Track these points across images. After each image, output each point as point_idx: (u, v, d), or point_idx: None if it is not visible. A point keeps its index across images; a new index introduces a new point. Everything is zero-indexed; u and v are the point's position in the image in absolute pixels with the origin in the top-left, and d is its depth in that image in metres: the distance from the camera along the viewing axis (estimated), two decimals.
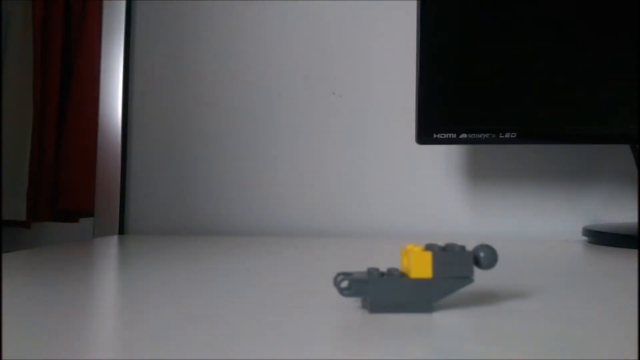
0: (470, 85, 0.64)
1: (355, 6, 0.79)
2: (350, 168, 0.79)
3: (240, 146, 0.80)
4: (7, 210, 0.82)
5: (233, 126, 0.80)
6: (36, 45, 0.80)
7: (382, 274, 0.31)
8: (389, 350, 0.24)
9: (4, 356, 0.23)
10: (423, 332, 0.27)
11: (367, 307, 0.31)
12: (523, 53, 0.63)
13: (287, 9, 0.80)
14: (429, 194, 0.77)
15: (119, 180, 0.79)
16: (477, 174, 0.77)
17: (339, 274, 0.31)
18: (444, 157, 0.77)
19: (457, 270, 0.31)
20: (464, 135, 0.64)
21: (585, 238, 0.71)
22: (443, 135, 0.64)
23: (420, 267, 0.30)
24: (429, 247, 0.31)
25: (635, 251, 0.58)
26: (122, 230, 0.80)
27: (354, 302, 0.33)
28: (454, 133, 0.64)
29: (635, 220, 0.74)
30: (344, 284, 0.31)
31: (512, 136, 0.63)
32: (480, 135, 0.63)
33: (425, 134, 0.64)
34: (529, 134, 0.63)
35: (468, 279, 0.31)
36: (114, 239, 0.68)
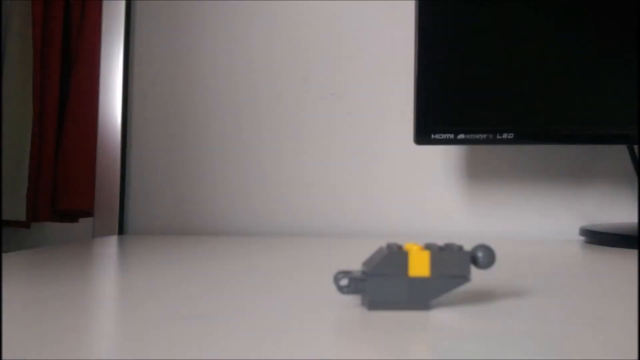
0: (468, 86, 0.64)
1: (355, 7, 0.80)
2: (350, 168, 0.79)
3: (240, 146, 0.80)
4: (7, 210, 0.82)
5: (233, 126, 0.81)
6: (36, 45, 0.80)
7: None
8: (384, 346, 0.24)
9: (4, 356, 0.23)
10: (420, 330, 0.27)
11: (365, 305, 0.31)
12: (520, 54, 0.64)
13: (287, 9, 0.81)
14: (427, 194, 0.78)
15: (119, 180, 0.79)
16: (475, 174, 0.77)
17: (338, 272, 0.31)
18: (442, 157, 0.78)
19: (455, 269, 0.31)
20: (461, 136, 0.64)
21: (582, 238, 0.71)
22: (441, 136, 0.64)
23: (419, 265, 0.31)
24: (427, 247, 0.32)
25: (633, 251, 0.59)
26: (121, 230, 0.80)
27: (353, 300, 0.33)
28: (451, 134, 0.64)
29: (632, 220, 0.75)
30: (343, 282, 0.32)
31: (509, 137, 0.63)
32: (478, 136, 0.64)
33: (424, 134, 0.65)
34: (527, 135, 0.64)
35: (465, 278, 0.31)
36: (114, 239, 0.68)
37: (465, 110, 0.64)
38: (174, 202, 0.81)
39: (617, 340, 0.26)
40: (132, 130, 0.82)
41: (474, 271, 0.44)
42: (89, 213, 0.82)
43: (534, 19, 0.64)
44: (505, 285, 0.39)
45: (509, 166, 0.77)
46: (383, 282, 0.31)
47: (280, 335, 0.26)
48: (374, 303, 0.31)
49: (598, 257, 0.54)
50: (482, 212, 0.77)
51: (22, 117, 0.82)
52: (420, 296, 0.31)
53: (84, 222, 0.91)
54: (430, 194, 0.78)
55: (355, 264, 0.48)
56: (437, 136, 0.64)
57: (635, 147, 0.72)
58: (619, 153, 0.75)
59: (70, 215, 0.84)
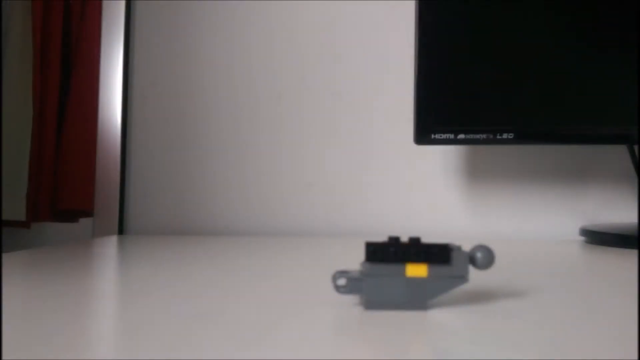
0: (468, 86, 0.64)
1: (355, 7, 0.80)
2: (349, 168, 0.79)
3: (240, 146, 0.80)
4: (6, 210, 0.82)
5: (233, 126, 0.81)
6: (36, 45, 0.80)
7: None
8: (382, 346, 0.24)
9: (4, 356, 0.23)
10: (417, 330, 0.27)
11: (363, 305, 0.31)
12: (520, 54, 0.64)
13: (286, 9, 0.81)
14: (427, 194, 0.78)
15: (119, 180, 0.79)
16: (475, 174, 0.77)
17: (336, 272, 0.31)
18: (442, 157, 0.78)
19: (452, 269, 0.31)
20: (461, 136, 0.64)
21: (582, 238, 0.71)
22: (441, 136, 0.64)
23: (416, 265, 0.31)
24: None
25: (633, 251, 0.59)
26: (121, 230, 0.80)
27: (352, 300, 0.33)
28: (451, 134, 0.64)
29: (632, 220, 0.75)
30: (341, 281, 0.32)
31: (509, 137, 0.63)
32: (477, 136, 0.64)
33: (423, 134, 0.65)
34: (526, 135, 0.64)
35: (463, 278, 0.31)
36: (114, 239, 0.68)
37: (465, 110, 0.64)
38: (173, 202, 0.81)
39: (617, 341, 0.26)
40: (132, 130, 0.82)
41: (474, 271, 0.44)
42: (89, 213, 0.82)
43: (534, 19, 0.64)
44: (505, 285, 0.39)
45: (509, 166, 0.77)
46: (381, 282, 0.31)
47: (278, 335, 0.26)
48: (371, 303, 0.31)
49: (598, 257, 0.54)
50: (482, 212, 0.77)
51: (22, 117, 0.82)
52: (417, 296, 0.31)
53: (84, 222, 0.91)
54: (430, 194, 0.78)
55: (355, 264, 0.48)
56: (437, 136, 0.64)
57: (635, 147, 0.72)
58: (619, 153, 0.75)
59: (70, 215, 0.84)
